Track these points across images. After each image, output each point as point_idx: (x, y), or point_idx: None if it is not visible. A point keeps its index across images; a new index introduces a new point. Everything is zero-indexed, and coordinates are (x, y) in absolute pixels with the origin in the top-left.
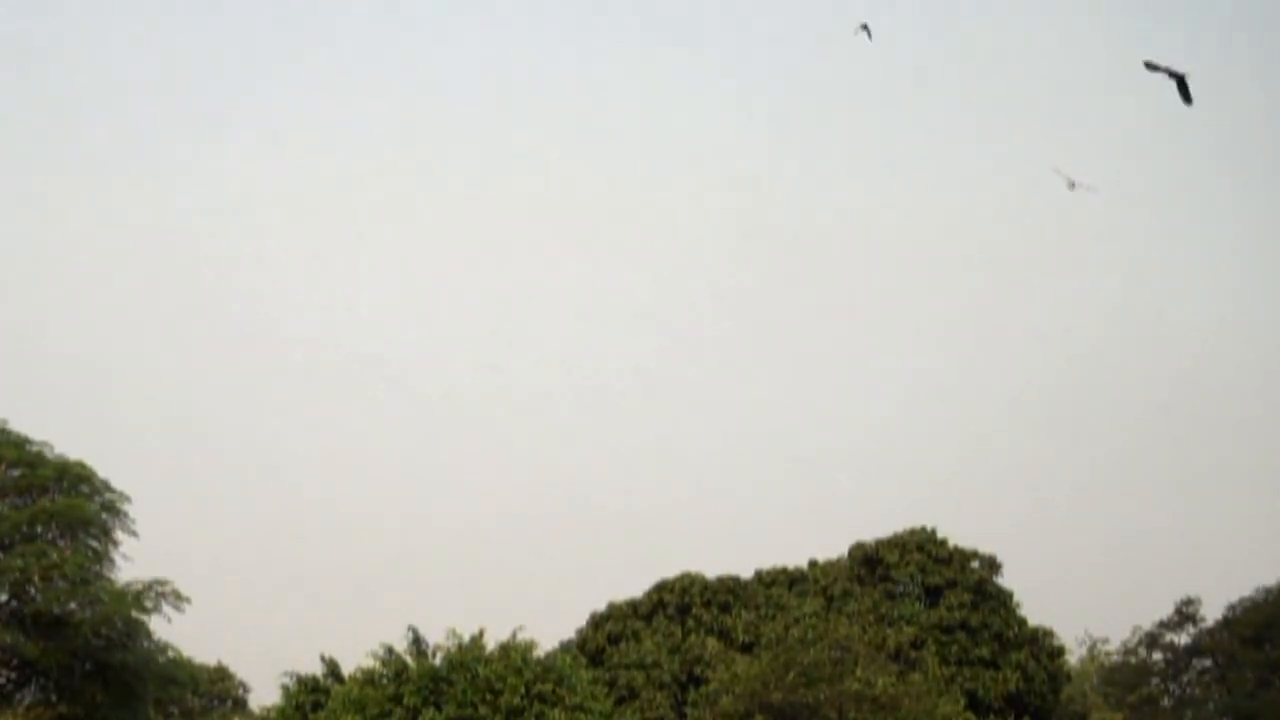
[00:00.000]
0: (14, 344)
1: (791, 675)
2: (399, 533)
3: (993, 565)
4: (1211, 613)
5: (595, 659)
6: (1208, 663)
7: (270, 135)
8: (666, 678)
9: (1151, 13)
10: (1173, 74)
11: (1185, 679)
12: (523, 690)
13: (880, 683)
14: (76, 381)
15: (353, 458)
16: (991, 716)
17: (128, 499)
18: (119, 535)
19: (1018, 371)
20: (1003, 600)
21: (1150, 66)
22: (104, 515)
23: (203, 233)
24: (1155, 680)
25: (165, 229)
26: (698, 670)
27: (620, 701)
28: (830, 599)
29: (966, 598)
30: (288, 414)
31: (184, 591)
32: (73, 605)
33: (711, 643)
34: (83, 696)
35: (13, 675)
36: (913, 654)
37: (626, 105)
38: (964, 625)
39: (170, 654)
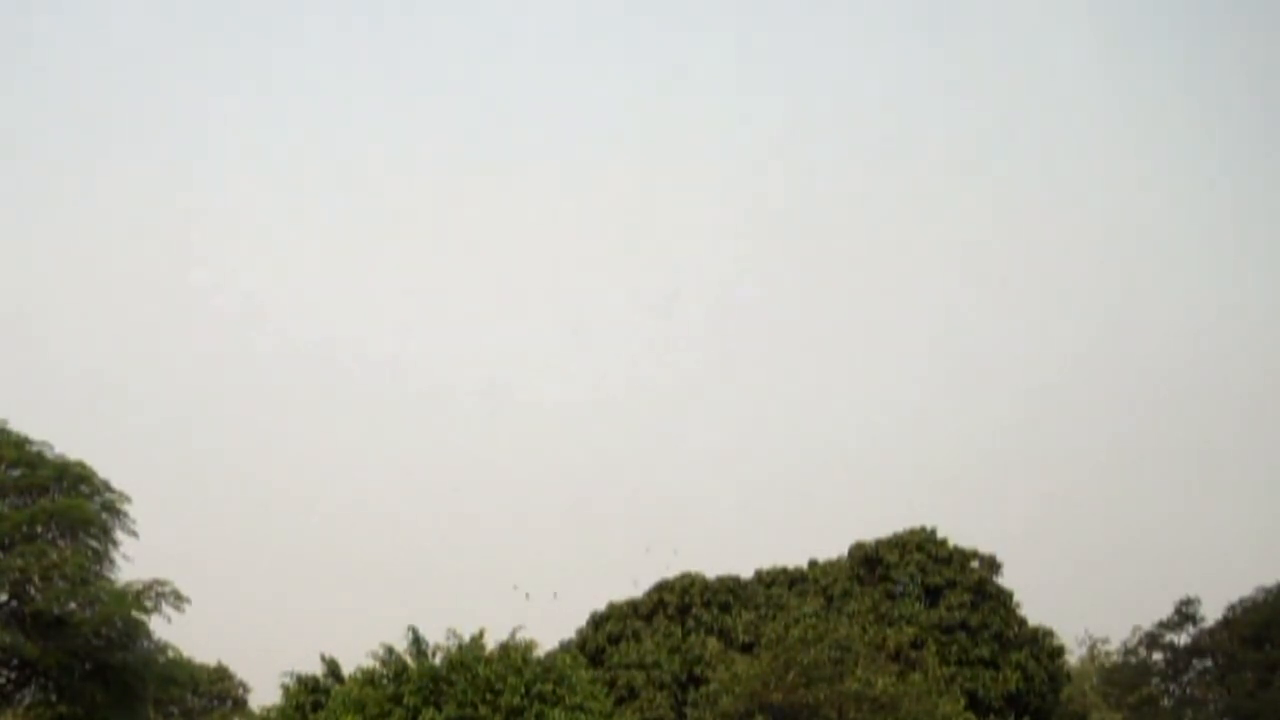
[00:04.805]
0: (14, 343)
1: (791, 675)
2: (400, 533)
3: (993, 565)
4: (1211, 613)
5: (595, 659)
6: (1208, 663)
7: (270, 134)
8: (666, 678)
9: (1151, 10)
10: None
11: (1185, 679)
12: (523, 690)
13: (880, 683)
14: (76, 381)
15: (353, 457)
16: (991, 716)
17: (128, 499)
18: (119, 535)
19: (1017, 371)
20: (1003, 600)
21: None
22: (104, 515)
23: (202, 233)
24: (1155, 680)
25: (165, 228)
26: (698, 670)
27: (620, 701)
28: (830, 599)
29: (966, 598)
30: (288, 414)
31: (184, 591)
32: (73, 605)
33: (711, 643)
34: (83, 696)
35: (13, 675)
36: (913, 654)
37: (631, 102)
38: (964, 625)
39: (170, 654)
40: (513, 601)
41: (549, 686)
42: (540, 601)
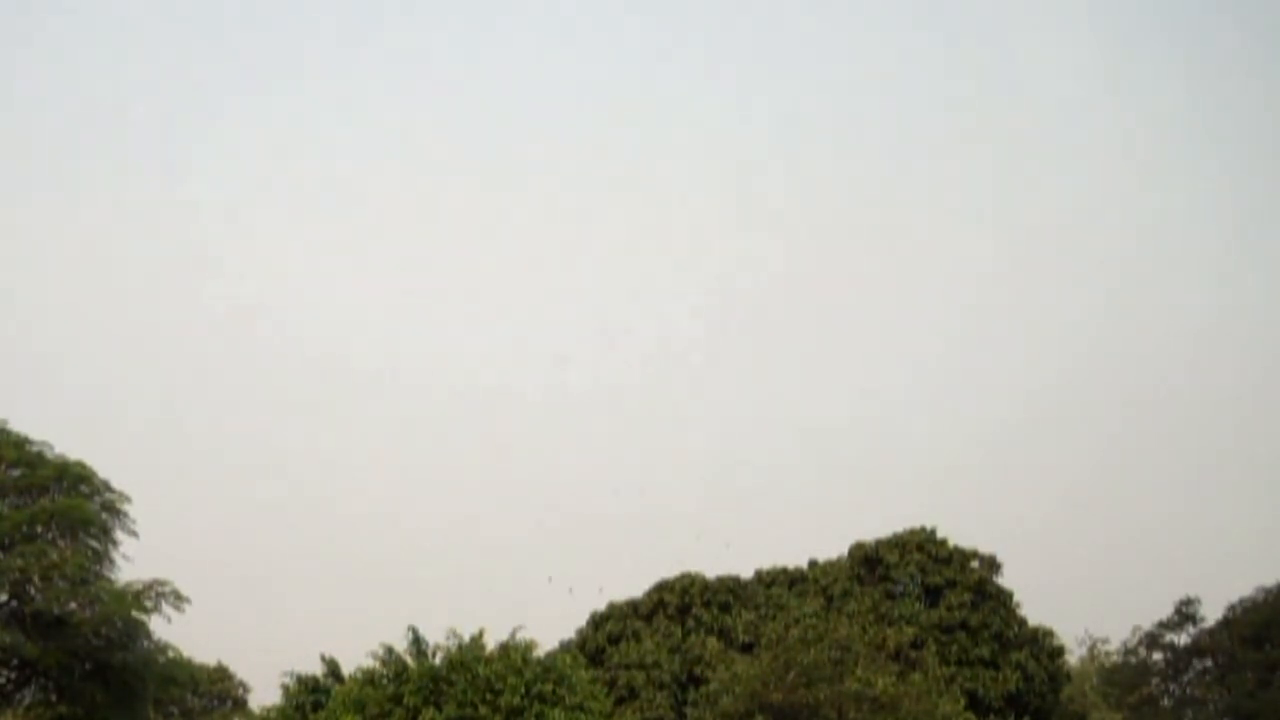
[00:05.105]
0: (14, 344)
1: (791, 675)
2: (399, 533)
3: (993, 565)
4: (1211, 613)
5: (595, 659)
6: (1208, 663)
7: (271, 135)
8: (666, 678)
9: (1151, 10)
10: None
11: (1185, 679)
12: (523, 690)
13: (880, 683)
14: (76, 381)
15: (353, 458)
16: (991, 716)
17: (128, 499)
18: (119, 535)
19: (1017, 371)
20: (1003, 600)
21: None
22: (104, 515)
23: (203, 233)
24: (1155, 680)
25: (165, 229)
26: (698, 670)
27: (620, 701)
28: (830, 599)
29: (966, 598)
30: (288, 414)
31: (184, 591)
32: (73, 605)
33: (711, 643)
34: (83, 696)
35: (13, 675)
36: (913, 654)
37: (630, 101)
38: (964, 625)
39: (170, 654)
40: (513, 601)
41: (549, 686)
42: (587, 597)
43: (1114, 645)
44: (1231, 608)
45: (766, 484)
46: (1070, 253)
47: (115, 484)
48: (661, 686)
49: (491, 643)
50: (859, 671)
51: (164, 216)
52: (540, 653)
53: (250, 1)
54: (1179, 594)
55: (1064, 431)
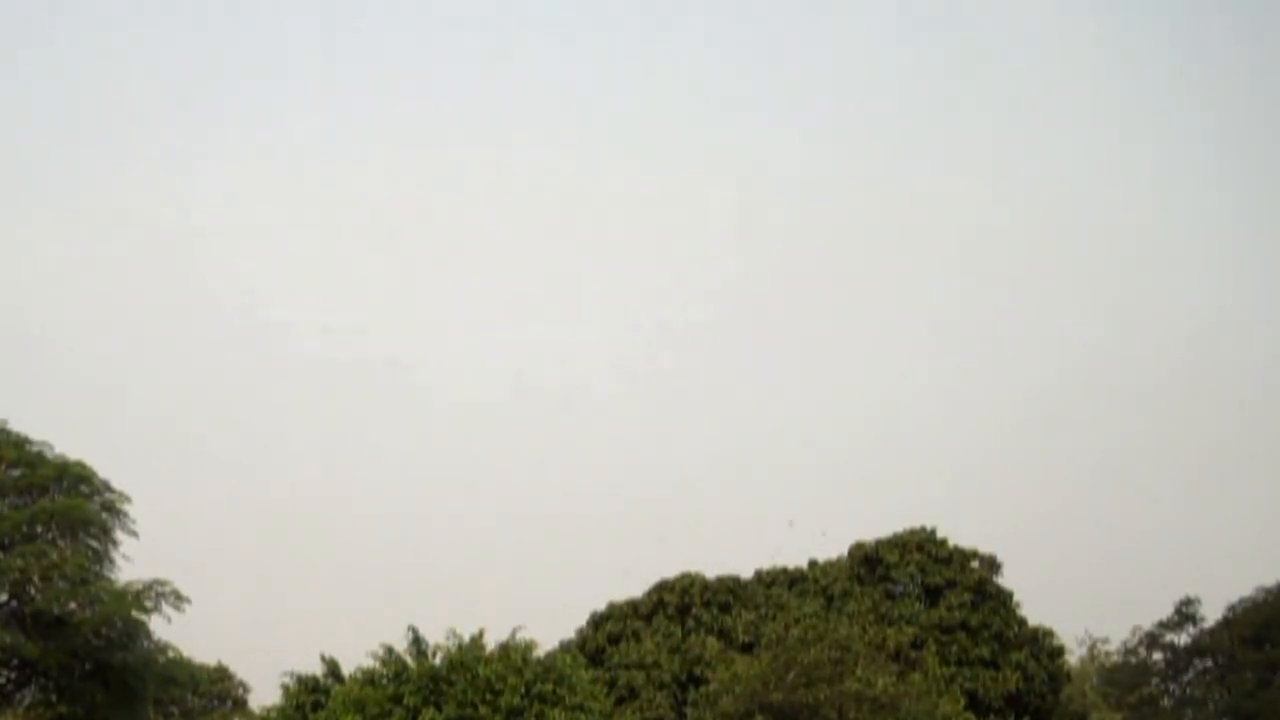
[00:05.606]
0: (14, 343)
1: (791, 675)
2: (400, 533)
3: (993, 565)
4: (1211, 613)
5: (595, 659)
6: (1208, 663)
7: (275, 133)
8: (666, 678)
9: (1152, 10)
10: None
11: (1185, 679)
12: (523, 690)
13: (880, 683)
14: (76, 381)
15: (353, 458)
16: (991, 716)
17: (128, 499)
18: (119, 535)
19: (1017, 371)
20: (1003, 600)
21: None
22: (104, 515)
23: (205, 231)
24: (1155, 680)
25: (167, 227)
26: (698, 670)
27: (620, 701)
28: (830, 599)
29: (966, 598)
30: (288, 414)
31: (184, 591)
32: (73, 605)
33: (711, 643)
34: (83, 696)
35: (13, 675)
36: (913, 654)
37: (624, 100)
38: (964, 625)
39: (170, 654)
40: (512, 601)
41: (549, 686)
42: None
43: (1114, 645)
44: (1231, 608)
45: (767, 484)
46: (1070, 253)
47: (115, 484)
48: (661, 686)
49: (491, 643)
50: (859, 671)
51: (163, 216)
52: (540, 653)
53: (252, 1)
54: (1179, 594)
55: (1064, 432)
